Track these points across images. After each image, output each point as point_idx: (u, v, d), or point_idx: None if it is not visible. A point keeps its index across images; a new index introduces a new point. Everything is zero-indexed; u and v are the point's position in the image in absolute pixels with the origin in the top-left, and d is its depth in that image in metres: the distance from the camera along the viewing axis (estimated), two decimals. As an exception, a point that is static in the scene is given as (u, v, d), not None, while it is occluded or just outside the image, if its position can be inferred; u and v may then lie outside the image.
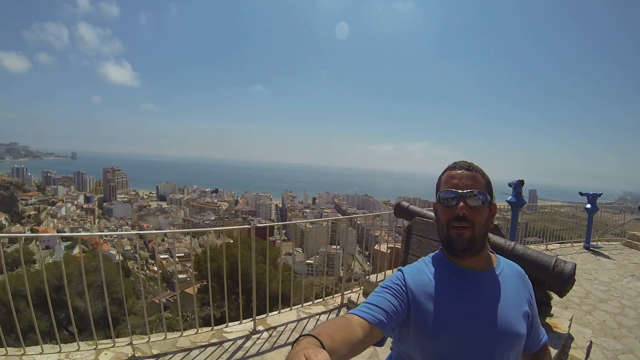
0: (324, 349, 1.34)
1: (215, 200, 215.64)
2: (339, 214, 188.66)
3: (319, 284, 32.94)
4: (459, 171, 1.98)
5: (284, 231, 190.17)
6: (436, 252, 2.14)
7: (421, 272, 2.01)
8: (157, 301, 46.27)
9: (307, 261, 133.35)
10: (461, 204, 1.88)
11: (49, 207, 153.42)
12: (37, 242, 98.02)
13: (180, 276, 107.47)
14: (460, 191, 1.90)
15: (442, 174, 2.06)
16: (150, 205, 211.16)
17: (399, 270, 2.03)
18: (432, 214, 5.87)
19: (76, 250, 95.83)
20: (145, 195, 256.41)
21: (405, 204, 8.78)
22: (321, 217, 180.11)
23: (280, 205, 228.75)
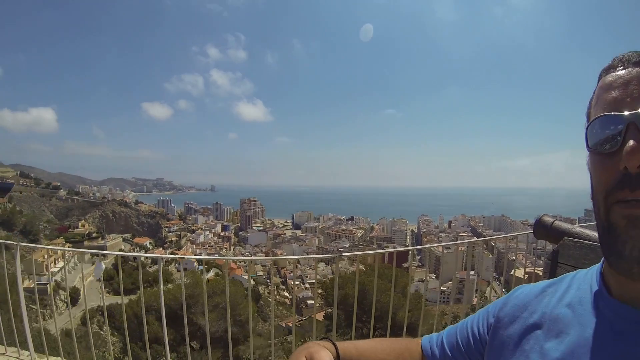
0: (337, 354, 1.20)
1: (351, 228, 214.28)
2: (475, 237, 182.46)
3: (450, 312, 31.10)
4: (623, 71, 0.84)
5: (418, 257, 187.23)
6: (594, 266, 1.26)
7: (546, 303, 1.06)
8: (284, 325, 46.07)
9: (442, 288, 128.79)
10: (631, 142, 0.74)
11: (189, 234, 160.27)
12: (177, 264, 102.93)
13: (310, 302, 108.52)
14: (627, 113, 0.76)
15: (597, 85, 0.95)
16: (285, 234, 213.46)
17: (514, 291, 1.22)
18: (590, 232, 3.78)
19: (211, 274, 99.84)
20: (281, 224, 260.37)
21: (549, 219, 5.60)
22: (457, 241, 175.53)
23: (416, 231, 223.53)
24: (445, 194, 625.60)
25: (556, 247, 4.38)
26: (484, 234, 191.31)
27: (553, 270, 4.42)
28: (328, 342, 1.19)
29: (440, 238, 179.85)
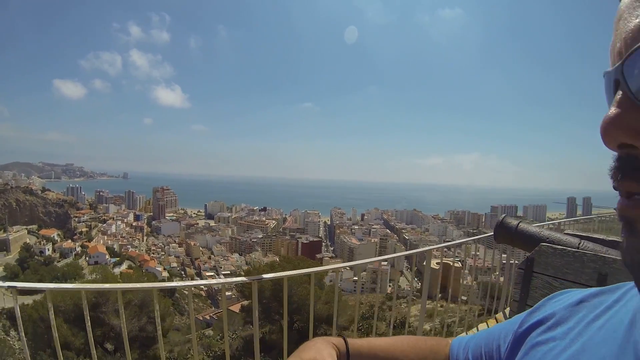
0: (348, 351, 1.14)
1: (264, 219, 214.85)
2: (388, 230, 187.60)
3: (365, 302, 31.64)
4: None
5: (332, 248, 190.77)
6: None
7: (578, 319, 0.95)
8: (201, 318, 45.84)
9: (354, 278, 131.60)
10: (609, 112, 0.57)
11: (100, 225, 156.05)
12: (87, 257, 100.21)
13: (227, 293, 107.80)
14: (610, 68, 0.57)
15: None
16: (198, 224, 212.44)
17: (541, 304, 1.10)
18: (561, 236, 3.84)
19: (124, 267, 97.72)
20: (194, 213, 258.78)
21: (513, 221, 4.49)
22: (369, 234, 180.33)
23: (329, 223, 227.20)
24: (358, 188, 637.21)
25: (531, 254, 4.04)
26: (396, 227, 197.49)
27: (527, 280, 4.22)
28: (338, 338, 1.22)
29: (353, 230, 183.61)
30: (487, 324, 7.89)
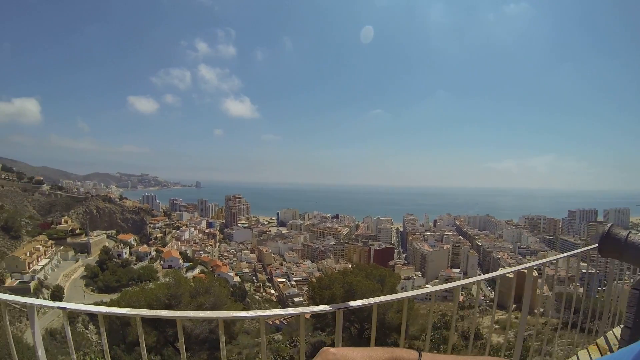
0: None
1: (336, 226, 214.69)
2: (461, 237, 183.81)
3: (437, 311, 30.88)
4: None
5: (404, 255, 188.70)
6: None
7: None
8: (271, 323, 45.90)
9: (426, 285, 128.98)
10: None
11: (174, 231, 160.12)
12: (161, 262, 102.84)
13: (297, 299, 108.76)
14: None
15: None
16: (270, 231, 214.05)
17: None
18: None
19: (197, 271, 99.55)
20: (266, 221, 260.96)
21: (622, 231, 3.37)
22: (442, 240, 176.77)
23: (402, 229, 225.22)
24: (429, 194, 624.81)
25: None
26: (469, 232, 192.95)
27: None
28: (414, 351, 1.14)
29: (425, 236, 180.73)
30: (587, 350, 6.82)
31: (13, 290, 71.68)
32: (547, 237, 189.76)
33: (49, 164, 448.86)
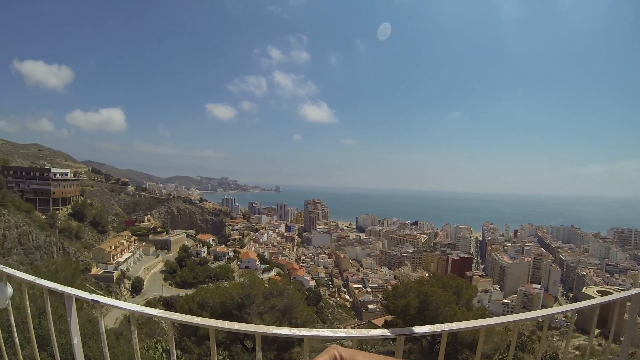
0: None
1: (415, 233, 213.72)
2: (543, 249, 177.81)
3: (514, 328, 29.61)
4: None
5: (482, 266, 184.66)
6: None
7: None
8: (342, 328, 45.81)
9: (504, 300, 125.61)
10: None
11: (252, 233, 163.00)
12: (238, 262, 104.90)
13: (371, 306, 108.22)
14: None
15: None
16: (348, 236, 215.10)
17: None
18: None
19: (273, 273, 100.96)
20: (345, 226, 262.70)
21: None
22: (522, 252, 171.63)
23: (481, 238, 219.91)
24: (510, 201, 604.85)
25: None
26: (552, 245, 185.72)
27: None
28: None
29: (505, 247, 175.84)
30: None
31: (97, 278, 78.16)
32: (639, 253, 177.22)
33: (134, 167, 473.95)
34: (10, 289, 4.41)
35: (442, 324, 3.56)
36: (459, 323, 3.64)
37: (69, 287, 4.04)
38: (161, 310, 3.50)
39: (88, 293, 3.94)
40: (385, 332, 3.47)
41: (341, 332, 3.54)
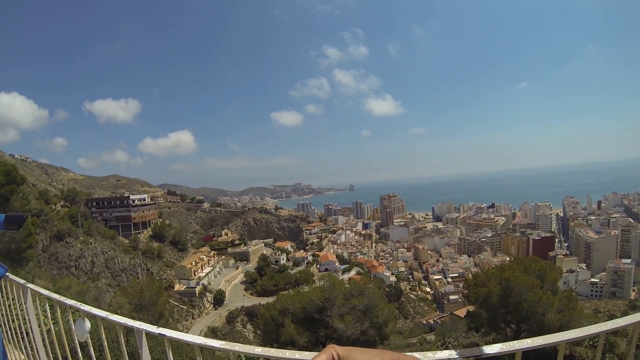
0: None
1: (492, 216, 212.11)
2: (631, 219, 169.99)
3: (604, 310, 28.49)
4: None
5: (566, 244, 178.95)
6: None
7: None
8: (424, 322, 45.27)
9: (592, 280, 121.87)
10: None
11: (330, 235, 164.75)
12: (318, 265, 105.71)
13: (452, 297, 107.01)
14: None
15: None
16: (426, 227, 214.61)
17: None
18: None
19: (352, 273, 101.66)
20: (421, 217, 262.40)
21: None
22: (608, 225, 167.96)
23: (562, 214, 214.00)
24: (591, 171, 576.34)
25: None
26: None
27: None
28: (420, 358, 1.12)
29: (589, 221, 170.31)
30: None
31: (181, 294, 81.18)
32: None
33: (207, 184, 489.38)
34: (88, 324, 4.68)
35: (515, 342, 3.35)
36: (536, 339, 3.45)
37: (139, 322, 4.20)
38: (224, 342, 3.60)
39: (156, 327, 4.08)
40: (452, 354, 3.37)
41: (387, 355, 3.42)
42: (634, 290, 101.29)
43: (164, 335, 3.90)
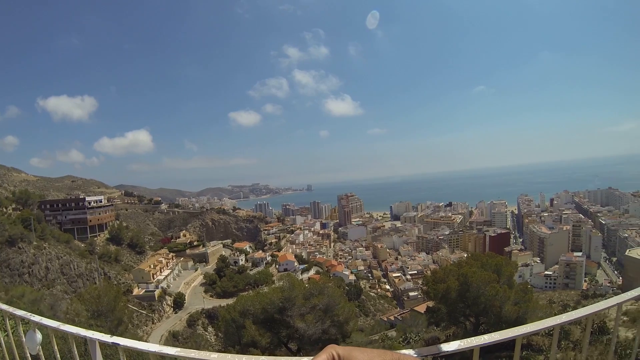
0: None
1: (450, 214, 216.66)
2: (581, 215, 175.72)
3: (558, 300, 29.16)
4: None
5: (521, 240, 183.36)
6: None
7: None
8: (385, 319, 45.62)
9: (546, 272, 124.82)
10: None
11: (288, 235, 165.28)
12: (277, 266, 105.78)
13: (412, 294, 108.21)
14: None
15: None
16: (384, 226, 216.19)
17: None
18: None
19: (312, 272, 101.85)
20: (380, 216, 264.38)
21: None
22: (561, 220, 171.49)
23: (517, 212, 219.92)
24: (544, 170, 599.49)
25: None
26: (590, 210, 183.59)
27: None
28: (419, 357, 1.13)
29: (542, 218, 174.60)
30: None
31: (140, 298, 79.81)
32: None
33: (165, 185, 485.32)
34: (39, 335, 4.53)
35: (473, 338, 3.42)
36: (492, 335, 3.50)
37: (91, 331, 4.15)
38: (180, 349, 3.52)
39: (109, 336, 3.98)
40: (411, 352, 3.38)
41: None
42: (585, 281, 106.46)
43: (118, 344, 3.86)
